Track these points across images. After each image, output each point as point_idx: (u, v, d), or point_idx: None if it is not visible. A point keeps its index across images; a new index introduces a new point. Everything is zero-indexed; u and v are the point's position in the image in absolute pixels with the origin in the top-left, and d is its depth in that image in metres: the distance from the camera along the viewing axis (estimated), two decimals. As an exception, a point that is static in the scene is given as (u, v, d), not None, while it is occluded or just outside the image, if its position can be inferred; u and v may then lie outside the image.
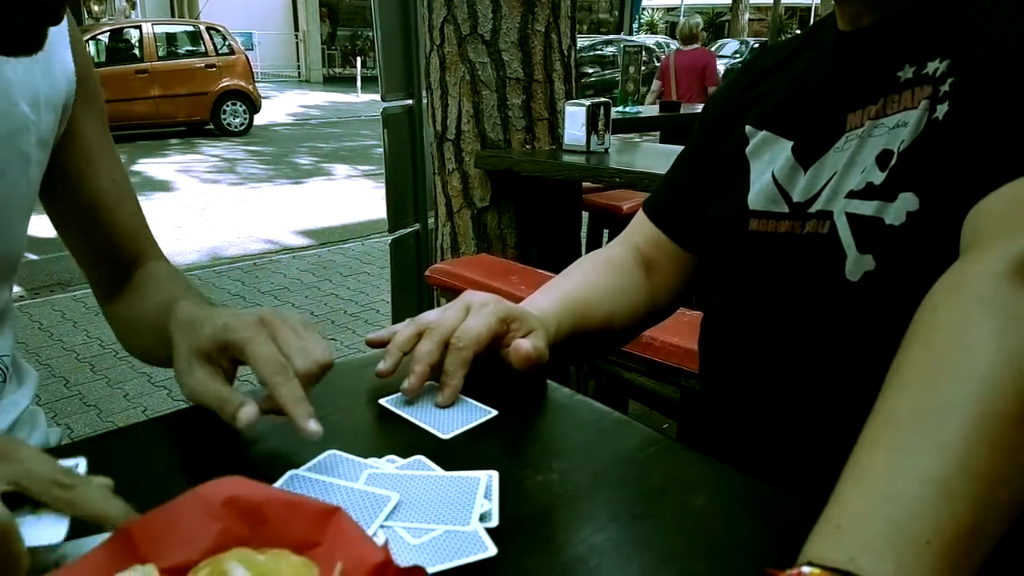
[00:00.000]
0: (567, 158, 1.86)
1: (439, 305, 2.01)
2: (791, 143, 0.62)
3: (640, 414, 2.00)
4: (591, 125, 1.91)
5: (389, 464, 0.48)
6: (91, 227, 0.71)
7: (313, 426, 0.47)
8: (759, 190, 0.64)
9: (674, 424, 1.80)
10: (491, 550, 0.39)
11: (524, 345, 0.57)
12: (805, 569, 0.31)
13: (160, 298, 0.64)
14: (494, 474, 0.46)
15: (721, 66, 15.65)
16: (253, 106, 9.91)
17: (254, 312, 0.52)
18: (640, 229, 0.78)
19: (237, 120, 9.75)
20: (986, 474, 0.32)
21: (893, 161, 0.53)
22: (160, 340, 0.57)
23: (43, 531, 0.37)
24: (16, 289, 0.69)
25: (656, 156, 2.07)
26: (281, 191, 6.31)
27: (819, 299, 0.57)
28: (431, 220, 2.24)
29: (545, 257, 2.03)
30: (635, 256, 0.76)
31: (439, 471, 0.47)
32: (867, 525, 0.32)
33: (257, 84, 10.27)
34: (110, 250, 0.72)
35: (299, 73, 19.81)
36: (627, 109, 3.16)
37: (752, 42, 16.83)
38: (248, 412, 0.47)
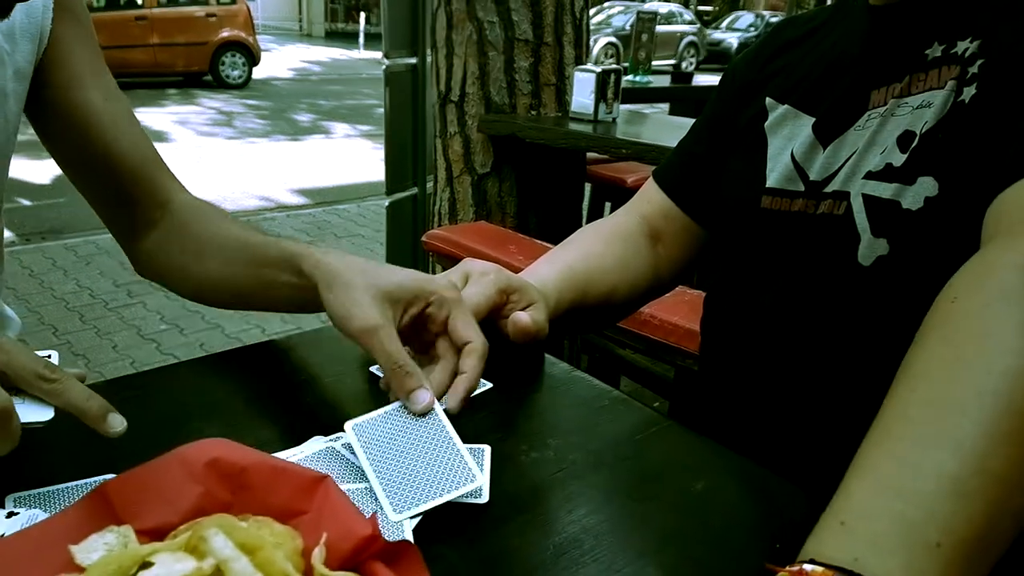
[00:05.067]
0: (573, 126, 1.82)
1: (435, 272, 1.98)
2: (812, 119, 0.60)
3: (631, 391, 2.00)
4: (600, 93, 1.86)
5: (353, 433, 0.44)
6: (89, 150, 0.64)
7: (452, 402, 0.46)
8: (775, 167, 0.62)
9: (665, 403, 1.80)
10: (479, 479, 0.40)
11: (523, 318, 0.55)
12: (807, 567, 0.30)
13: (255, 250, 0.58)
14: (486, 448, 0.45)
15: (734, 40, 15.43)
16: (253, 59, 9.69)
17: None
18: (649, 198, 0.75)
19: (236, 72, 9.55)
20: (1003, 475, 0.31)
21: (915, 143, 0.51)
22: (267, 289, 0.55)
23: (31, 412, 0.40)
24: (7, 235, 0.65)
25: (665, 128, 2.02)
26: (278, 147, 6.22)
27: (829, 282, 0.55)
28: (430, 184, 2.20)
29: (545, 227, 2.01)
30: (642, 226, 0.74)
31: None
32: (874, 522, 0.31)
33: (257, 36, 10.03)
34: (117, 180, 0.65)
35: (300, 27, 19.40)
36: (637, 78, 3.09)
37: (768, 16, 16.54)
38: (423, 398, 0.44)
